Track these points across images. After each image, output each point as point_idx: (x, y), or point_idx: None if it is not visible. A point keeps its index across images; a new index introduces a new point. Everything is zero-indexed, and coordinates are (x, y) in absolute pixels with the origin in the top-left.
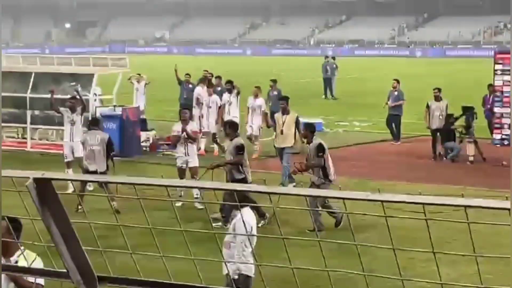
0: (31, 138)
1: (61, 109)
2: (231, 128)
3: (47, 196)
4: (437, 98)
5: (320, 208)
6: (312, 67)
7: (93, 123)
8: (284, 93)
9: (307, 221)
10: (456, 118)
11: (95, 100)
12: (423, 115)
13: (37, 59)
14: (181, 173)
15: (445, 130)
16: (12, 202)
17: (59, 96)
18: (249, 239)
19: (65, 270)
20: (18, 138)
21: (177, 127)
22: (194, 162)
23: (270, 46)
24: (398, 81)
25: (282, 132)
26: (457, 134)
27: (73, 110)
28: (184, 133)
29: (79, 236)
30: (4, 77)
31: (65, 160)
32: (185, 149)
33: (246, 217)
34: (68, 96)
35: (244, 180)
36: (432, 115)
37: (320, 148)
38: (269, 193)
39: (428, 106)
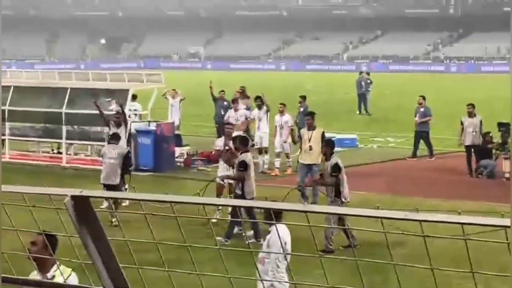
0: (67, 153)
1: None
2: (240, 142)
3: (84, 213)
4: (471, 114)
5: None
6: (346, 82)
7: (113, 138)
8: (318, 108)
9: (338, 238)
10: (497, 144)
11: (135, 115)
12: (458, 131)
13: (73, 74)
14: (220, 189)
15: (482, 148)
16: (48, 217)
17: (94, 111)
18: (283, 254)
19: (101, 287)
20: (54, 153)
21: (219, 142)
22: None
23: (304, 61)
24: (424, 98)
25: (310, 148)
26: (493, 151)
27: (118, 125)
28: (227, 147)
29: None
30: (40, 92)
31: None
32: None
33: (280, 233)
34: (113, 112)
35: (242, 197)
36: (465, 131)
37: (335, 168)
38: (305, 212)
39: (461, 123)
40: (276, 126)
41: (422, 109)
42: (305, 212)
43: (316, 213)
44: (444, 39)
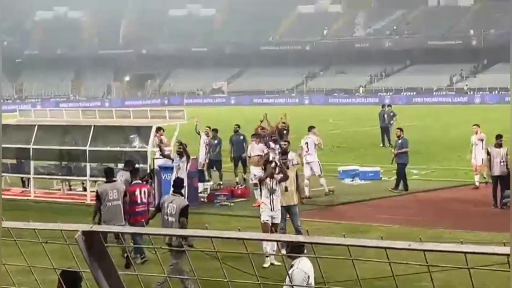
0: (91, 191)
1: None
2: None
3: (95, 248)
4: (500, 145)
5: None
6: (370, 115)
7: (125, 164)
8: (342, 141)
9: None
10: None
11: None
12: (485, 163)
13: (96, 112)
14: (266, 229)
15: (507, 178)
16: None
17: (118, 149)
18: None
19: None
20: (79, 191)
21: (255, 171)
22: (279, 218)
23: (328, 95)
24: (401, 130)
25: (286, 189)
26: None
27: (181, 156)
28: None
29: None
30: (64, 131)
31: None
32: (271, 204)
33: (303, 266)
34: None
35: None
36: (493, 162)
37: (184, 210)
38: (312, 243)
39: (488, 153)
40: None
41: (399, 141)
42: (312, 243)
43: (332, 245)
44: (467, 70)
